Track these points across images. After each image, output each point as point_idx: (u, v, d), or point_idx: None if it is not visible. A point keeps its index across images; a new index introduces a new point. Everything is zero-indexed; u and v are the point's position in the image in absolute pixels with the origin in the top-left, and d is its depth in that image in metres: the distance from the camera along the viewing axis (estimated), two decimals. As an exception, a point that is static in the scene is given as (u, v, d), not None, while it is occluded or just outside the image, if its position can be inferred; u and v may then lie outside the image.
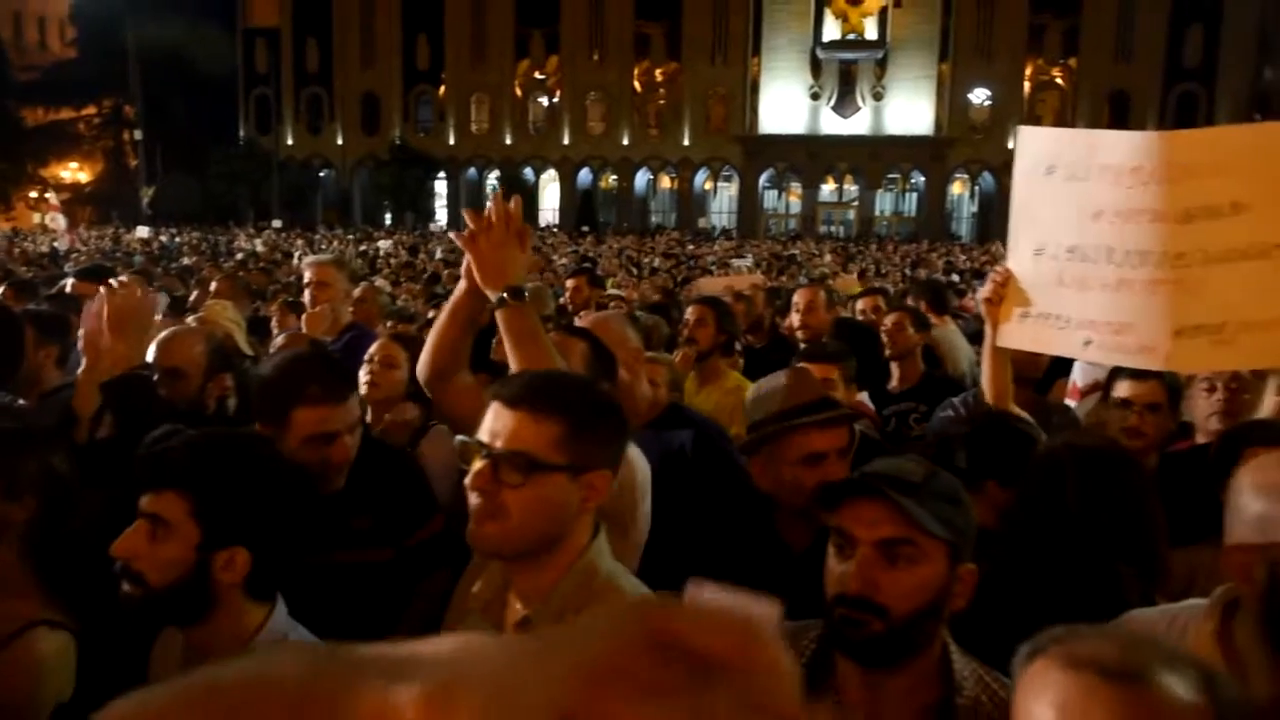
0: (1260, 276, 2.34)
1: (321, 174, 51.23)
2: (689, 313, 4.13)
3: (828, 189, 47.46)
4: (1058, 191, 2.55)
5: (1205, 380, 3.29)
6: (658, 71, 48.22)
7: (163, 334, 2.82)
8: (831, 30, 45.07)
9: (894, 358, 4.44)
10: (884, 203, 47.54)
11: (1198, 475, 2.56)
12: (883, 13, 44.49)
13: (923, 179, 45.44)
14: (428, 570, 2.23)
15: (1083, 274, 2.51)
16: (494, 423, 1.41)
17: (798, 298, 5.04)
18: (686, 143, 47.76)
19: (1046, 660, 0.97)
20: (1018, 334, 2.66)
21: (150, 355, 2.67)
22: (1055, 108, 45.16)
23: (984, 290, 2.79)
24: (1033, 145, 2.65)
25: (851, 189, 46.95)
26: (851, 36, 44.95)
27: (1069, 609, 1.20)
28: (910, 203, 47.20)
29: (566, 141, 48.73)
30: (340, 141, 50.30)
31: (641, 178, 49.30)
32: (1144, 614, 1.65)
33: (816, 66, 45.64)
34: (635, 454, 1.97)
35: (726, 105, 47.34)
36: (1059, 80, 45.04)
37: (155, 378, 2.60)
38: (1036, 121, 44.73)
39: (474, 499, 1.39)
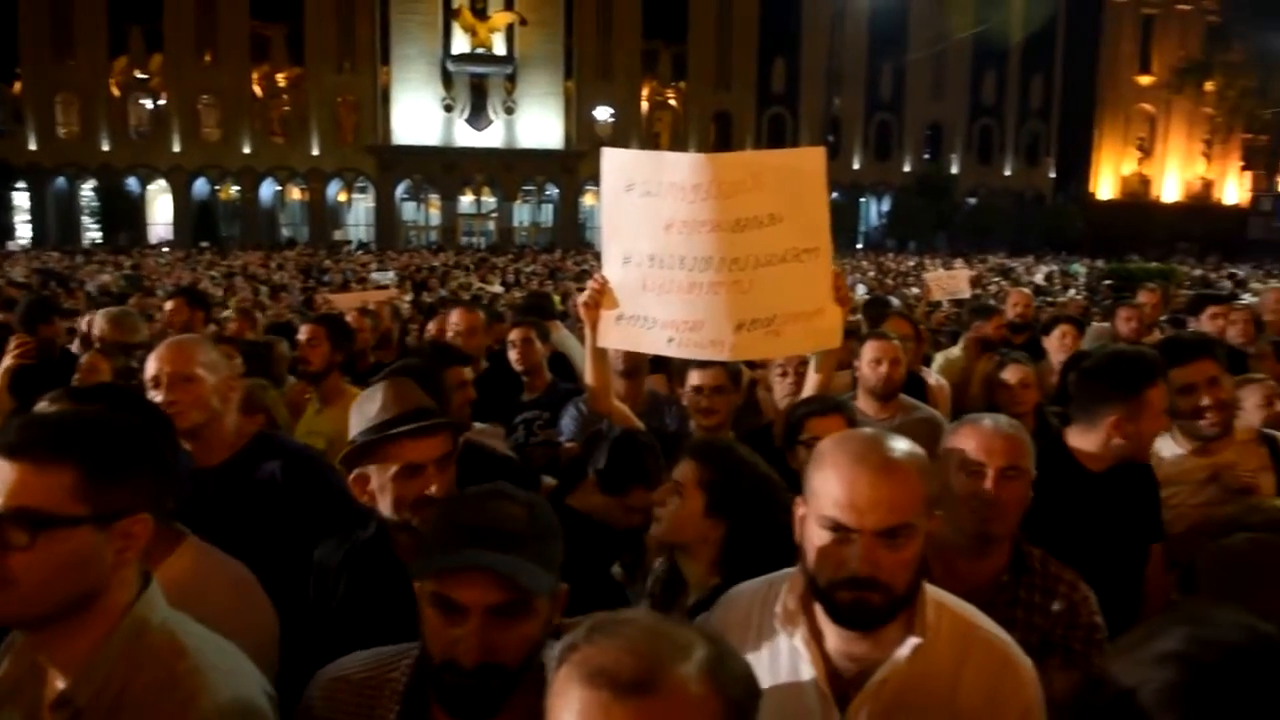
0: (795, 276, 2.72)
1: None
2: (300, 333, 3.92)
3: (467, 200, 47.64)
4: (637, 206, 2.78)
5: (779, 366, 3.77)
6: (279, 76, 45.42)
7: None
8: (461, 44, 45.31)
9: (524, 372, 4.55)
10: (522, 214, 48.67)
11: (768, 448, 2.91)
12: (510, 30, 45.59)
13: (557, 191, 47.18)
14: None
15: (662, 279, 2.75)
16: None
17: (456, 318, 4.96)
18: (316, 152, 45.47)
19: (568, 670, 1.01)
20: (614, 335, 2.88)
21: None
22: (670, 126, 49.07)
23: (583, 296, 2.95)
24: (614, 165, 2.86)
25: (490, 200, 47.55)
26: (481, 51, 45.52)
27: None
28: (547, 213, 48.77)
29: (178, 149, 44.23)
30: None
31: (268, 188, 46.16)
32: (748, 584, 1.80)
33: (448, 79, 45.63)
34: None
35: (357, 114, 45.76)
36: (672, 101, 48.94)
37: None
38: (655, 138, 48.40)
39: None
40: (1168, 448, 3.12)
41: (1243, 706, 0.93)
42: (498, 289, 17.48)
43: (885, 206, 49.49)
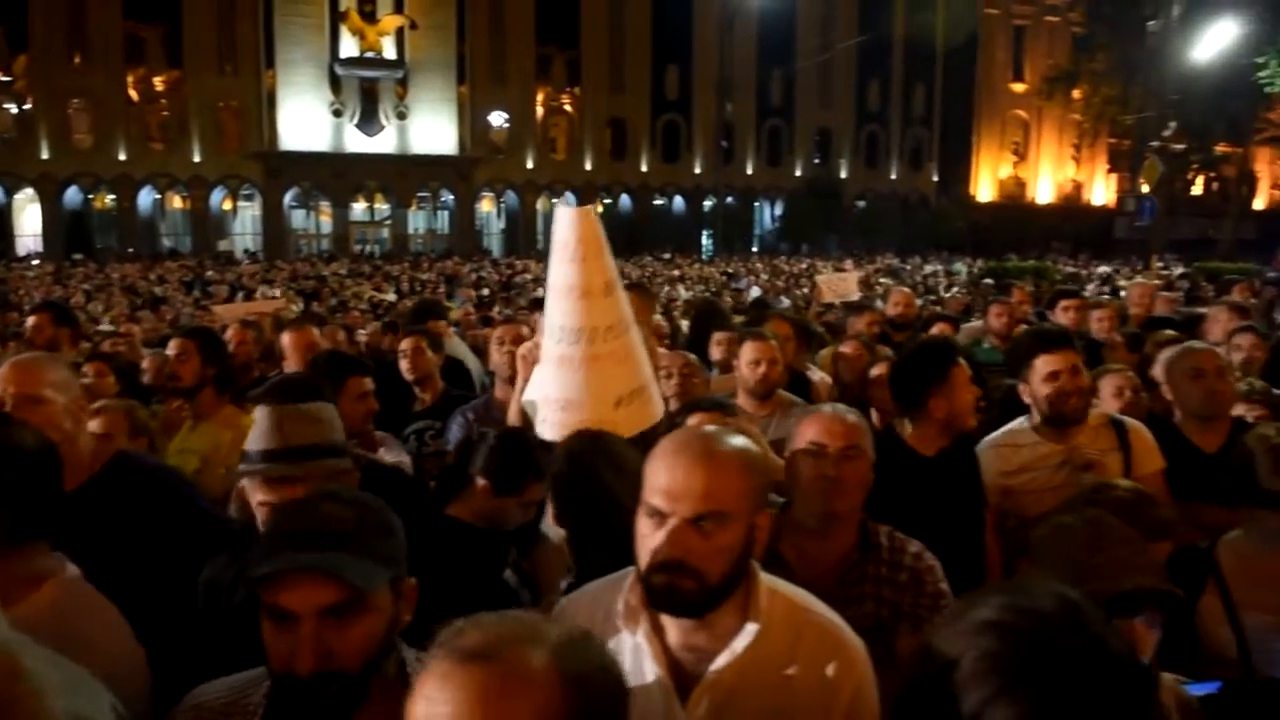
0: (640, 341, 2.60)
1: None
2: (170, 348, 3.79)
3: (359, 208, 46.55)
4: (553, 269, 2.56)
5: (664, 368, 3.85)
6: (157, 80, 43.48)
7: None
8: (349, 47, 44.27)
9: (416, 381, 4.52)
10: (418, 220, 47.84)
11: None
12: (400, 33, 44.75)
13: (452, 197, 46.59)
14: None
15: (547, 350, 2.57)
16: None
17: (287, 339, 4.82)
18: (198, 159, 43.68)
19: (431, 654, 1.06)
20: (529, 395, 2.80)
21: None
22: (566, 131, 49.05)
23: (521, 349, 3.03)
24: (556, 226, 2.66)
25: (383, 207, 46.58)
26: (370, 55, 44.55)
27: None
28: (443, 220, 48.08)
29: (46, 155, 41.87)
30: None
31: (146, 197, 44.13)
32: (592, 584, 1.85)
33: (336, 83, 44.50)
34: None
35: (241, 120, 44.17)
36: (567, 107, 48.91)
37: None
38: (551, 144, 48.29)
39: None
40: (1024, 434, 3.31)
41: (1053, 669, 1.00)
42: (391, 297, 17.21)
43: (778, 210, 50.55)
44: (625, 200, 49.18)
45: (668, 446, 1.60)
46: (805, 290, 16.72)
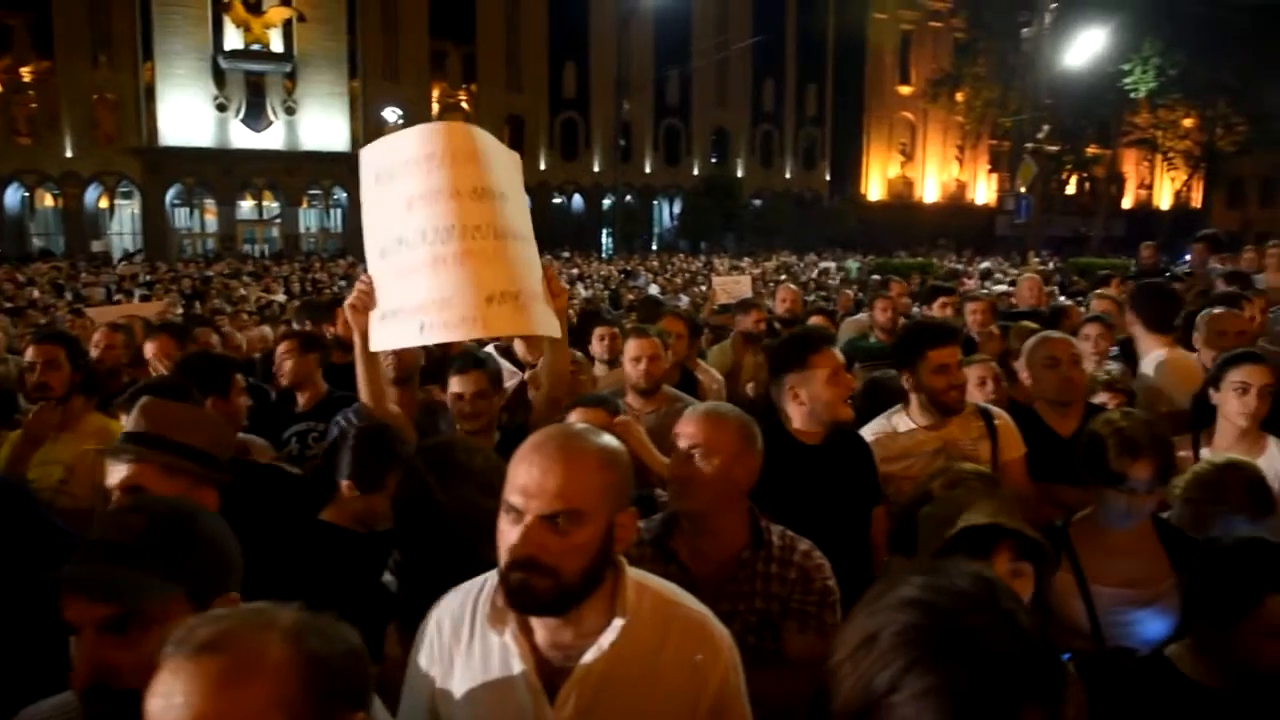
0: (525, 255, 2.72)
1: None
2: (31, 354, 3.60)
3: (247, 206, 44.94)
4: (383, 194, 2.72)
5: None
6: (24, 70, 41.04)
7: None
8: (234, 39, 42.67)
9: (293, 385, 4.41)
10: (309, 219, 46.45)
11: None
12: (287, 25, 43.35)
13: (345, 195, 45.40)
14: None
15: (410, 261, 2.65)
16: None
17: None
18: (70, 154, 41.45)
19: (164, 652, 1.08)
20: (381, 336, 2.79)
21: None
22: (463, 129, 48.37)
23: (349, 299, 2.89)
24: (365, 162, 2.82)
25: (273, 205, 45.09)
26: (256, 47, 43.04)
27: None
28: (336, 219, 46.81)
29: (-102, 150, 39.16)
30: None
31: (13, 194, 41.65)
32: (462, 586, 1.83)
33: (221, 76, 42.83)
34: None
35: (117, 113, 42.07)
36: (464, 104, 48.26)
37: None
38: (448, 141, 47.50)
39: None
40: (903, 423, 3.45)
41: (964, 641, 1.05)
42: (280, 298, 16.73)
43: (677, 208, 51.01)
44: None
45: (526, 445, 1.61)
46: (704, 288, 16.95)
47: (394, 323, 2.72)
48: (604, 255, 41.19)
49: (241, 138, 43.24)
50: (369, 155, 2.82)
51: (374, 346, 2.84)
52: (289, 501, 2.84)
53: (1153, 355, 4.59)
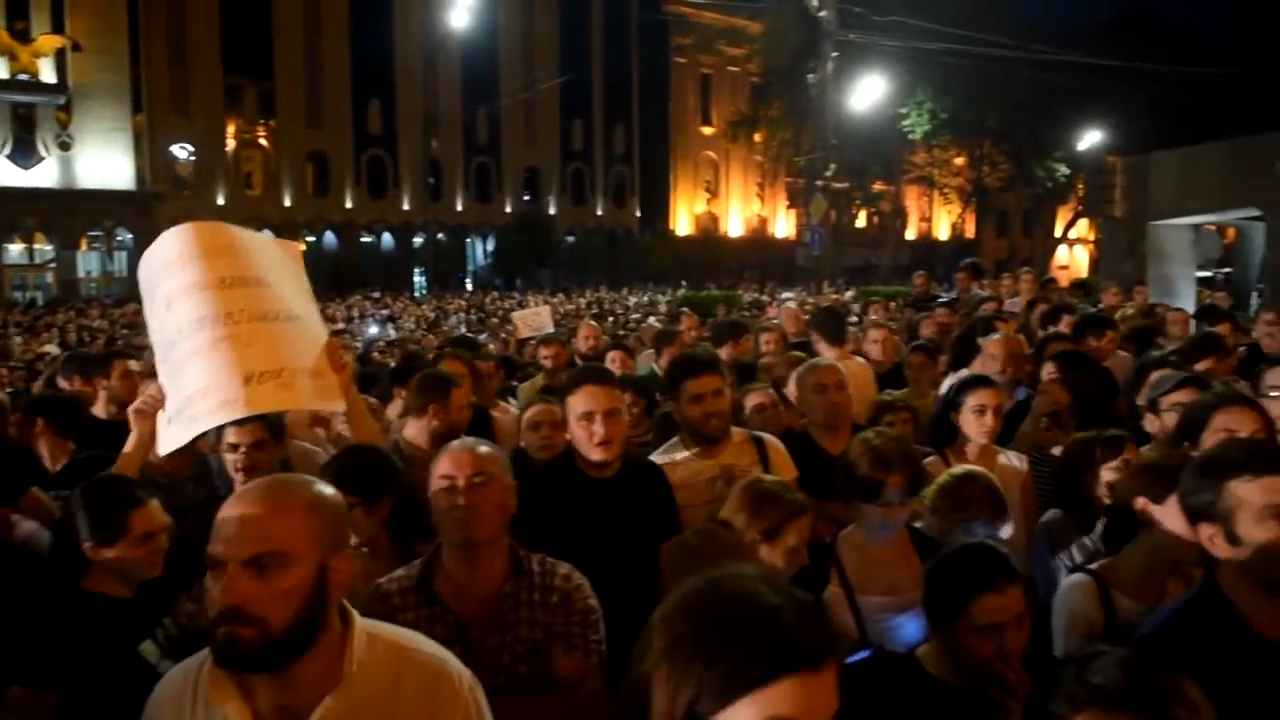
0: (292, 334, 2.82)
1: None
2: None
3: (16, 249, 41.02)
4: (152, 300, 2.84)
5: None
6: None
7: None
8: (-2, 69, 39.11)
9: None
10: (89, 262, 42.91)
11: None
12: (60, 55, 40.15)
13: (131, 236, 42.29)
14: None
15: (177, 359, 2.72)
16: None
17: None
18: None
19: None
20: (167, 437, 2.82)
21: None
22: (261, 165, 46.35)
23: (134, 404, 3.03)
24: (140, 272, 2.94)
25: (46, 249, 41.38)
26: (25, 77, 39.59)
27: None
28: (121, 262, 43.48)
29: None
30: None
31: None
32: (185, 662, 1.77)
33: (-17, 108, 39.09)
34: None
35: None
36: (262, 140, 46.29)
37: None
38: (246, 178, 45.37)
39: None
40: (679, 453, 3.59)
41: (716, 633, 1.13)
42: (53, 349, 15.37)
43: (490, 246, 50.77)
44: (330, 237, 47.19)
45: (230, 497, 1.59)
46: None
47: (177, 421, 2.74)
48: (417, 295, 40.37)
49: (8, 176, 39.49)
50: (142, 266, 2.91)
51: (162, 449, 2.92)
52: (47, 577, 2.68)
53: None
